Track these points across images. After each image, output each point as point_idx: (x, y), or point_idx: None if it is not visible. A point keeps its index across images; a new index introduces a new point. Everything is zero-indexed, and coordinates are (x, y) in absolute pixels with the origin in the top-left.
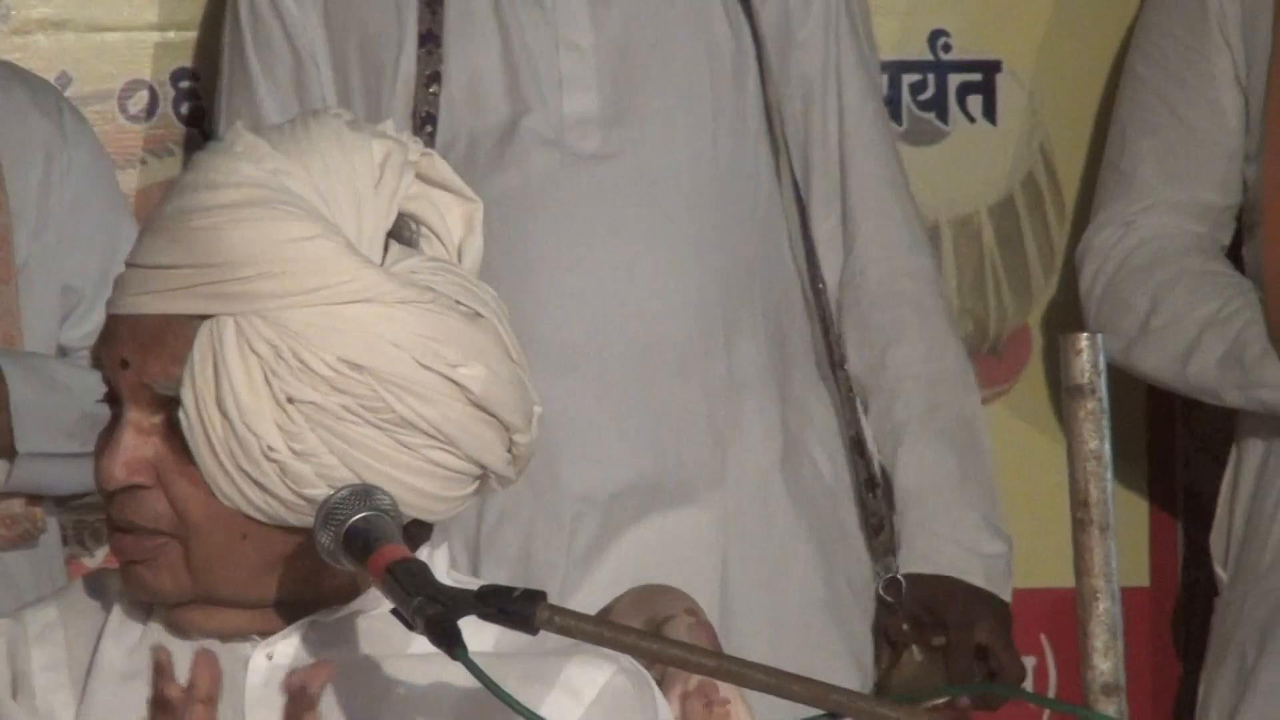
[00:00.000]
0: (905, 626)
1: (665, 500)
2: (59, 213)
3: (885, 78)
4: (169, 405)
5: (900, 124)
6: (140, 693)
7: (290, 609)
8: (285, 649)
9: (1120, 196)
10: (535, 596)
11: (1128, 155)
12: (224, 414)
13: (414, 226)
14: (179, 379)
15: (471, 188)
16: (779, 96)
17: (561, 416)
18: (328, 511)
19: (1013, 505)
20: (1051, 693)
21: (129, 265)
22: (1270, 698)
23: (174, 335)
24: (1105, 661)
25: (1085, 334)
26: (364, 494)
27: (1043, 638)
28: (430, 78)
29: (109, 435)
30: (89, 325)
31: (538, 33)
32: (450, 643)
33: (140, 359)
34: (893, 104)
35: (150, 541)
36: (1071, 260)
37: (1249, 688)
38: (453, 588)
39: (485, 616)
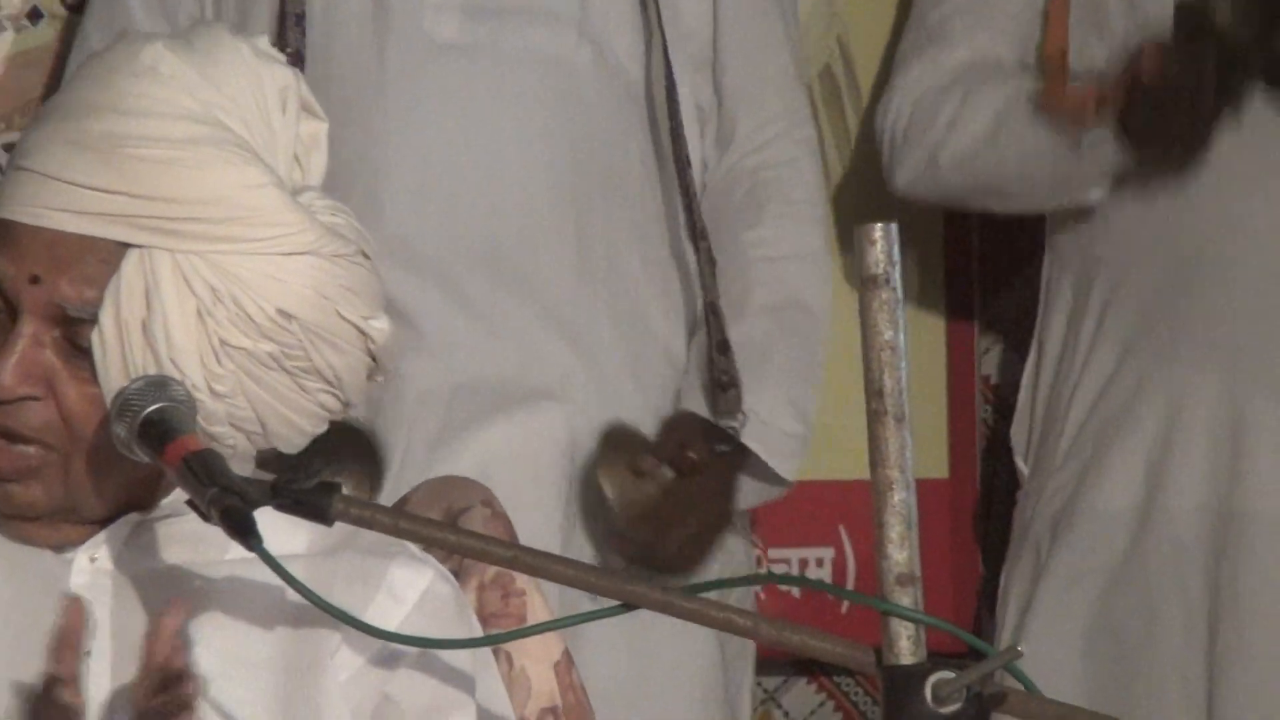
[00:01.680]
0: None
1: (511, 399)
2: None
3: None
4: (69, 322)
5: None
6: None
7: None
8: (106, 553)
9: (927, 47)
10: (331, 487)
11: (936, 10)
12: (150, 345)
13: None
14: (93, 302)
15: (331, 72)
16: None
17: (405, 312)
18: (123, 402)
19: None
20: (850, 584)
21: (34, 172)
22: (1060, 589)
23: (94, 258)
24: (901, 552)
25: (880, 224)
26: (160, 384)
27: (841, 529)
28: None
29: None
30: None
31: None
32: (244, 533)
33: (52, 277)
34: None
35: (28, 454)
36: (867, 152)
37: (1041, 578)
38: (248, 478)
39: (280, 507)
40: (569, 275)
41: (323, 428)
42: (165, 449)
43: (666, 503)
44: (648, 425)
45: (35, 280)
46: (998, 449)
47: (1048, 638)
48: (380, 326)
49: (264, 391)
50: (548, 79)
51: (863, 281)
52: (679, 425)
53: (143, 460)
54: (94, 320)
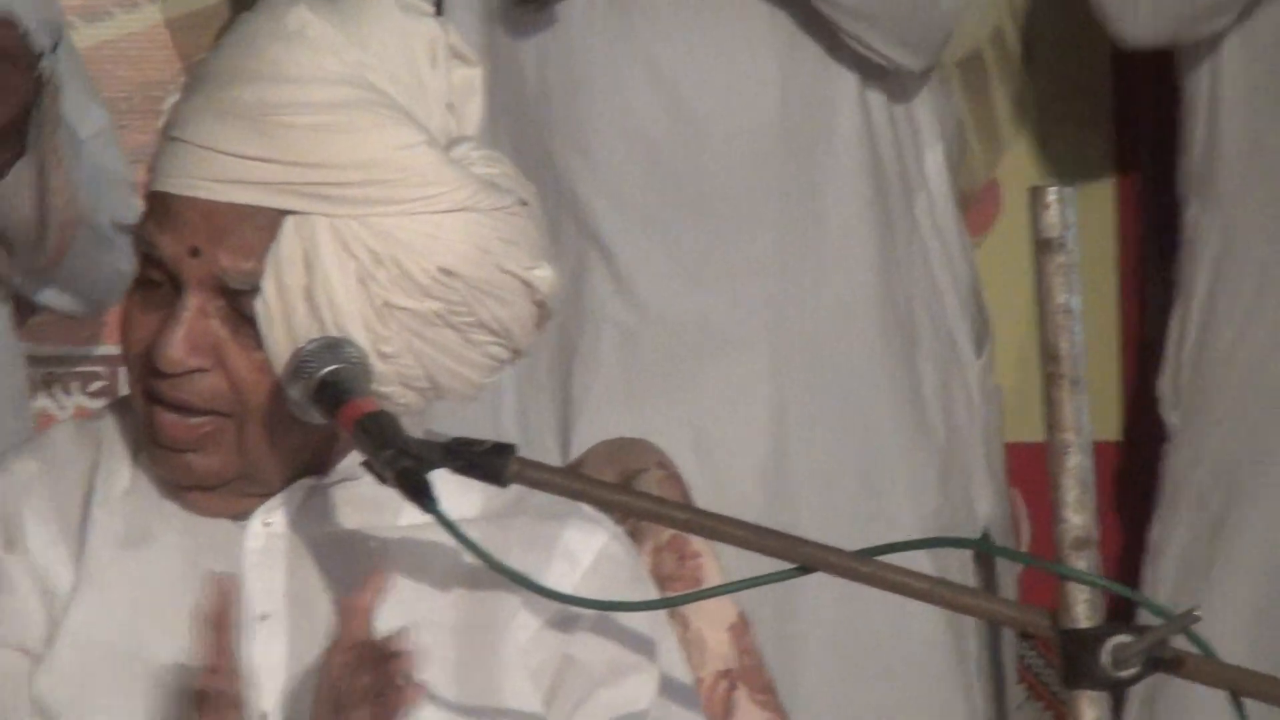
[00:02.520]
0: None
1: (713, 344)
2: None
3: None
4: (232, 292)
5: None
6: (145, 561)
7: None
8: (281, 517)
9: None
10: (505, 449)
11: None
12: (314, 311)
13: None
14: (253, 273)
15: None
16: None
17: (609, 249)
18: (298, 364)
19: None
20: (1025, 547)
21: (187, 143)
22: (1252, 550)
23: (251, 227)
24: (1077, 516)
25: (1054, 188)
26: (334, 346)
27: (1015, 492)
28: None
29: (154, 312)
30: None
31: None
32: (421, 495)
33: (211, 249)
34: None
35: (203, 424)
36: (1040, 115)
37: (1219, 536)
38: (423, 440)
39: (456, 469)
40: (773, 223)
41: (494, 377)
42: (340, 410)
43: None
44: (846, 376)
45: (195, 253)
46: None
47: (1224, 597)
48: (544, 275)
49: (432, 349)
50: (756, 25)
51: (1037, 245)
52: None
53: (318, 422)
54: (256, 290)
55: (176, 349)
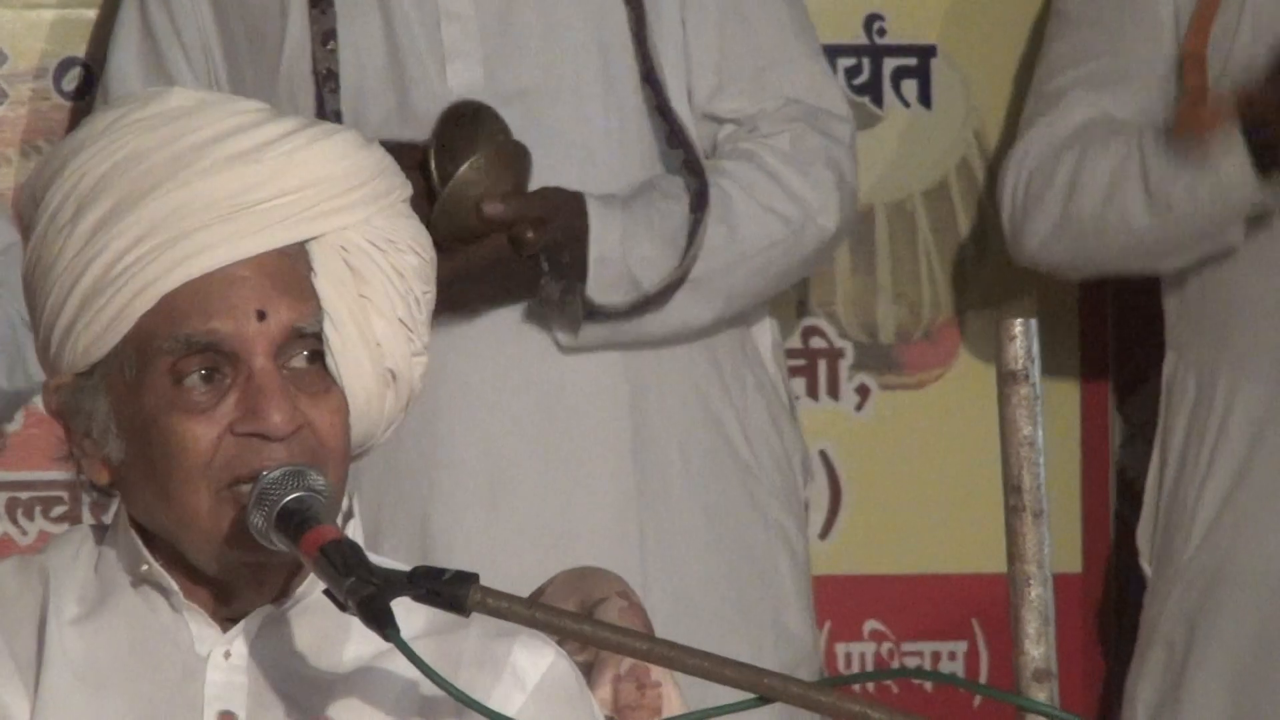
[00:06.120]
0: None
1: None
2: None
3: None
4: (289, 347)
5: None
6: (103, 698)
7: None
8: (240, 647)
9: (1044, 112)
10: (467, 578)
11: (1054, 81)
12: (366, 337)
13: None
14: (317, 310)
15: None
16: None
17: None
18: (260, 491)
19: (945, 490)
20: (983, 679)
21: (203, 215)
22: (1203, 699)
23: (293, 266)
24: (1037, 648)
25: (1019, 319)
26: (297, 475)
27: (974, 623)
28: (326, 34)
29: (211, 410)
30: None
31: (420, 4)
32: (382, 623)
33: (275, 304)
34: None
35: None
36: (1004, 247)
37: (1181, 686)
38: (385, 568)
39: (418, 598)
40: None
41: None
42: (302, 538)
43: (473, 231)
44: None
45: (262, 316)
46: (1131, 544)
47: None
48: None
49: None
50: (574, 155)
51: (1001, 377)
52: (555, 202)
53: (279, 549)
54: (318, 329)
55: (282, 410)
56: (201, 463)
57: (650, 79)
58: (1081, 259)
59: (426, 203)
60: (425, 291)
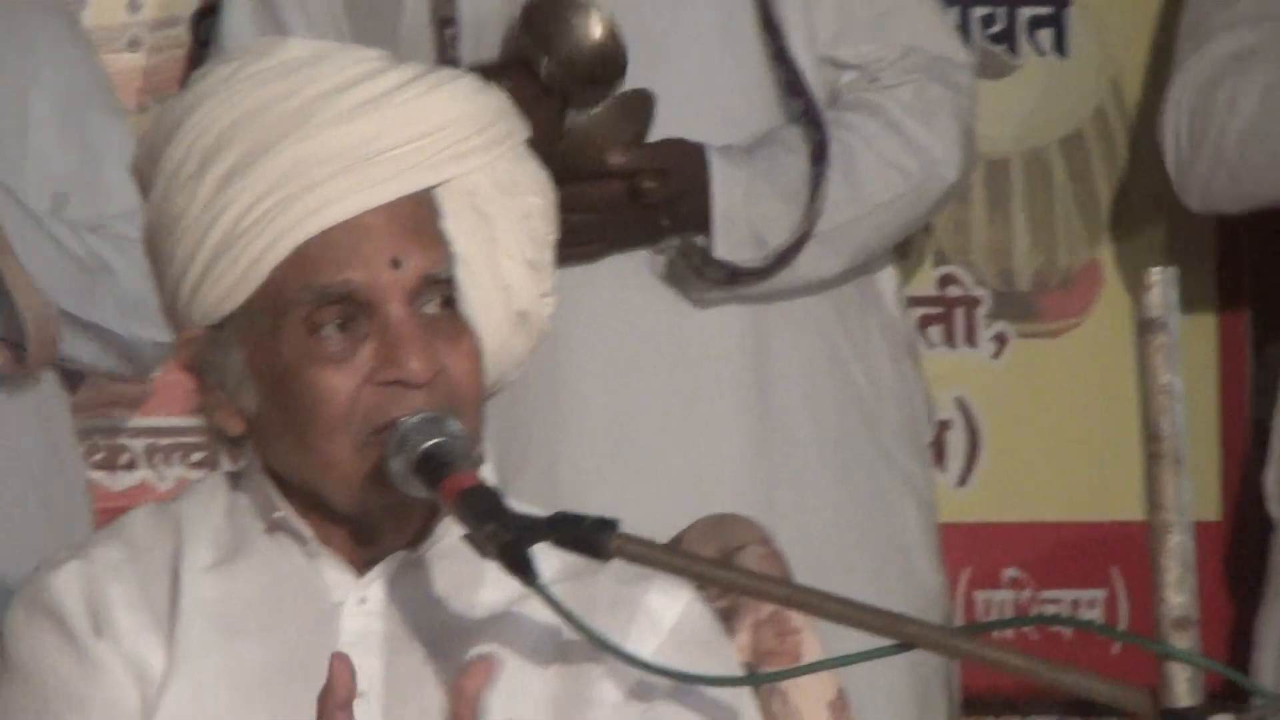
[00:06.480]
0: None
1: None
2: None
3: (955, 11)
4: (422, 293)
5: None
6: (238, 646)
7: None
8: (377, 592)
9: (1192, 53)
10: (608, 524)
11: (1201, 24)
12: (496, 273)
13: None
14: (449, 255)
15: None
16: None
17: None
18: (400, 437)
19: (1083, 438)
20: (1123, 627)
21: (329, 172)
22: None
23: (424, 213)
24: (1178, 596)
25: (1157, 268)
26: (436, 421)
27: (1114, 570)
28: None
29: (350, 358)
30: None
31: None
32: (523, 570)
33: (409, 251)
34: (962, 37)
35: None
36: (1140, 195)
37: None
38: (524, 514)
39: (558, 544)
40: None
41: None
42: (442, 483)
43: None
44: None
45: (396, 264)
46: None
47: None
48: None
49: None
50: (698, 106)
51: (1140, 325)
52: (677, 154)
53: (419, 495)
54: (450, 275)
55: (421, 357)
56: (342, 414)
57: (770, 25)
58: (1247, 186)
59: (539, 106)
60: (549, 233)
